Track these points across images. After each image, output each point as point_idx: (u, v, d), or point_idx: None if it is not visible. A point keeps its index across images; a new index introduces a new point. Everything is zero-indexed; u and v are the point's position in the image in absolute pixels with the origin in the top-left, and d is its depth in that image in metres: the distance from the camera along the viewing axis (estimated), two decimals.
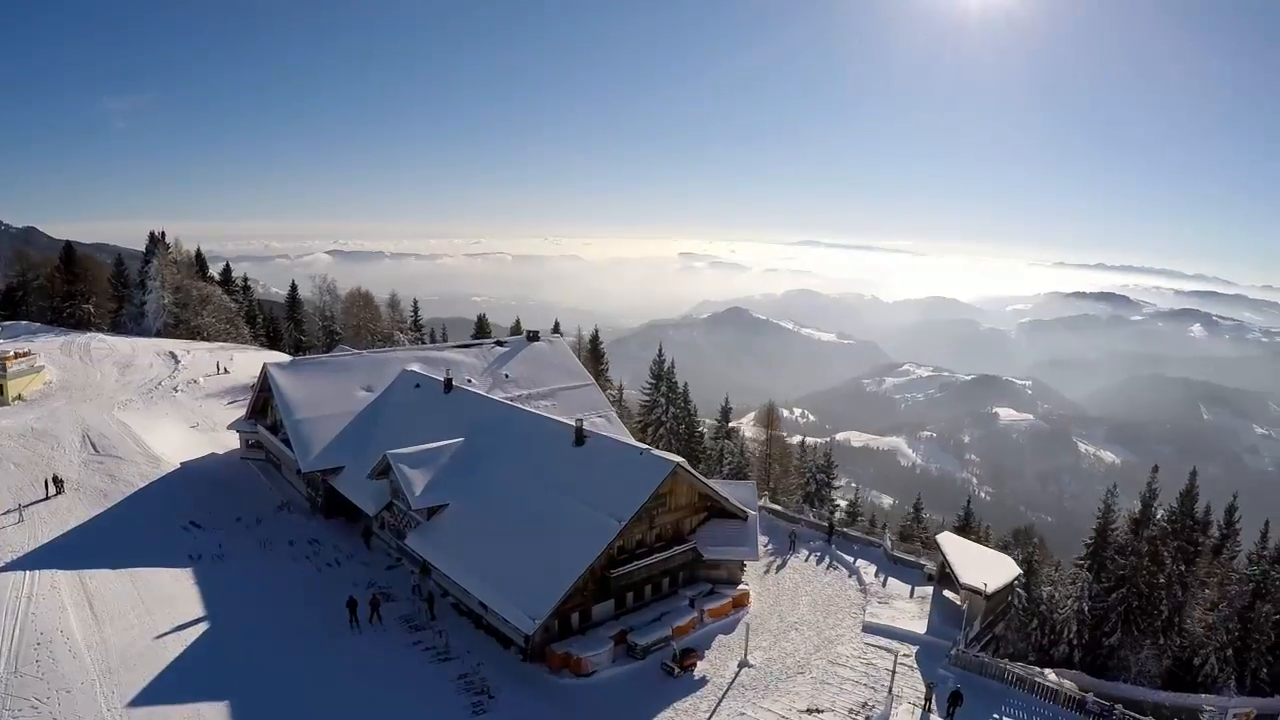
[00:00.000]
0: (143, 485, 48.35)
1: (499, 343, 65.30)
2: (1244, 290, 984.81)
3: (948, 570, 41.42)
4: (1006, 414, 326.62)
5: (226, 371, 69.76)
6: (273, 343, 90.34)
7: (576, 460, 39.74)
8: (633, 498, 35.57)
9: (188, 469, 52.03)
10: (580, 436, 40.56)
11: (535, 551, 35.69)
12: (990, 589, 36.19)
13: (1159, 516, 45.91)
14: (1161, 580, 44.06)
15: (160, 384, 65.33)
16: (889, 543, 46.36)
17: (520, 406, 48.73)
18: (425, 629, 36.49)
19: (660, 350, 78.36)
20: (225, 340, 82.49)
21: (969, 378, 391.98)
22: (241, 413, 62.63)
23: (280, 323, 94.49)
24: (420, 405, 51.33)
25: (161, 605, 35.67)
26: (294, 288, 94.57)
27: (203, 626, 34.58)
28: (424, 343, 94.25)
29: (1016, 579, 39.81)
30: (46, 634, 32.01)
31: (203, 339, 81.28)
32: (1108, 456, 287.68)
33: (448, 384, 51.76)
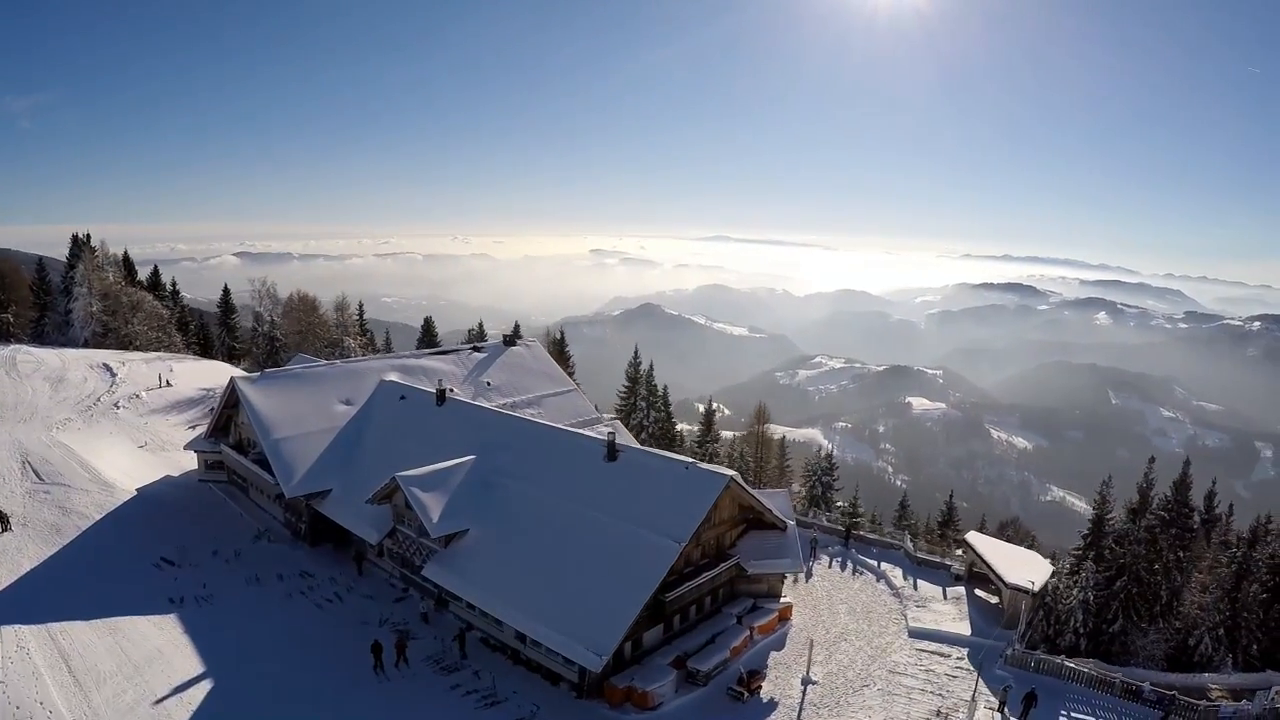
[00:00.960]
0: (99, 517, 42.40)
1: (475, 348, 61.71)
2: (1146, 279, 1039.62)
3: (979, 569, 41.76)
4: (919, 403, 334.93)
5: (169, 384, 62.82)
6: (204, 350, 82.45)
7: (611, 477, 37.26)
8: (688, 516, 33.54)
9: (145, 495, 46.15)
10: (613, 451, 38.14)
11: (582, 578, 33.13)
12: (1037, 587, 36.45)
13: (1155, 505, 47.56)
14: (1158, 567, 45.75)
15: (99, 400, 58.01)
16: (910, 544, 46.30)
17: (535, 420, 45.66)
18: (459, 669, 33.42)
19: (636, 353, 76.47)
20: (159, 350, 74.38)
21: (881, 368, 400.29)
22: (193, 430, 56.89)
23: (211, 329, 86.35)
24: (410, 419, 47.45)
25: (152, 662, 31.04)
26: (226, 292, 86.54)
27: (206, 685, 30.28)
28: (374, 348, 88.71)
29: (1053, 575, 40.38)
30: (24, 707, 27.05)
31: (135, 348, 72.96)
32: (1020, 442, 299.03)
33: (441, 395, 48.02)
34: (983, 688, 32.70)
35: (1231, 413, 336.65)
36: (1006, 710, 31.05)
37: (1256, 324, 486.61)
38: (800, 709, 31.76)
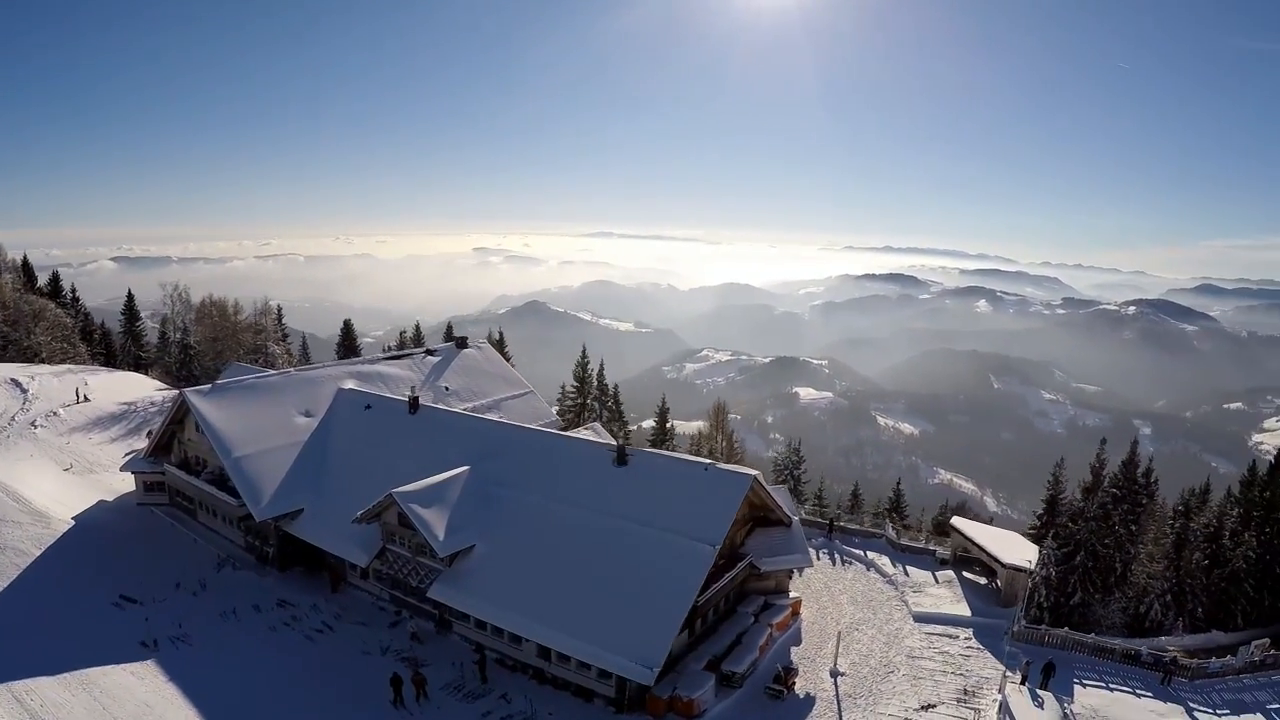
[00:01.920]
0: (38, 552, 37.23)
1: (429, 352, 58.84)
2: (1025, 268, 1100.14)
3: (965, 553, 43.53)
4: (806, 393, 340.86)
5: (87, 399, 55.97)
6: (108, 361, 73.89)
7: (624, 482, 36.09)
8: (718, 518, 32.94)
9: (84, 524, 41.05)
10: (623, 455, 37.00)
11: (610, 588, 31.88)
12: (1032, 565, 38.37)
13: (1107, 483, 51.16)
14: (1110, 541, 49.31)
15: (14, 419, 50.74)
16: (892, 532, 47.68)
17: (528, 426, 43.70)
18: (482, 695, 31.53)
19: (584, 352, 75.18)
20: (66, 362, 65.93)
21: (767, 360, 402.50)
22: (117, 446, 51.32)
23: (113, 337, 77.47)
24: (381, 430, 44.41)
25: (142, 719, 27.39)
26: (131, 298, 77.79)
27: None
28: (292, 355, 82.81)
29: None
30: None
31: (40, 361, 64.27)
32: (906, 428, 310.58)
33: (414, 403, 45.23)
34: (990, 664, 34.07)
35: (1110, 393, 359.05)
36: (1029, 683, 32.43)
37: (1131, 308, 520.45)
38: (838, 701, 31.94)
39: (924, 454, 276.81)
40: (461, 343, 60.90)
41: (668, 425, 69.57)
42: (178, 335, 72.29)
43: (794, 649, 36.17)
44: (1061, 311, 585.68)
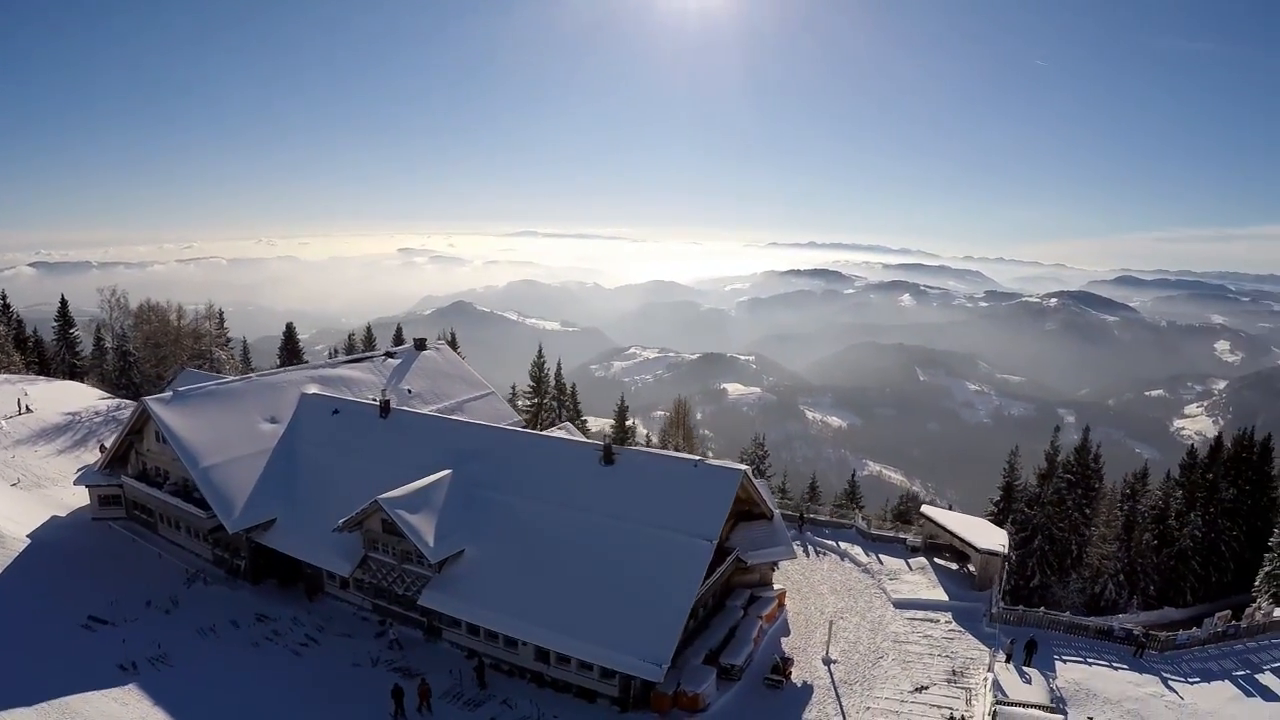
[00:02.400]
0: None
1: (389, 354, 57.47)
2: (947, 261, 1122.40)
3: (935, 540, 45.00)
4: (734, 389, 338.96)
5: (30, 410, 52.53)
6: (42, 369, 69.21)
7: (612, 481, 36.01)
8: (712, 513, 33.27)
9: (40, 542, 38.78)
10: (609, 454, 36.93)
11: (607, 588, 31.87)
12: (1005, 550, 40.01)
13: (1061, 469, 53.78)
14: (1065, 525, 51.91)
15: None
16: (863, 523, 48.93)
17: (505, 428, 43.14)
18: (483, 702, 31.07)
19: (540, 351, 74.75)
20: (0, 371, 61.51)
21: (695, 357, 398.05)
22: (63, 459, 48.66)
23: (45, 345, 72.51)
24: (351, 435, 43.17)
25: None
26: (64, 303, 72.89)
27: None
28: (235, 360, 79.58)
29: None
30: None
31: None
32: (835, 421, 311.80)
33: (385, 407, 44.10)
34: (972, 646, 35.42)
35: (1034, 383, 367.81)
36: (1013, 661, 33.84)
37: (1053, 300, 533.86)
38: (835, 689, 32.69)
39: (852, 447, 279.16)
40: (420, 344, 59.73)
41: (627, 424, 69.67)
42: (116, 342, 68.44)
43: (783, 640, 36.81)
44: (984, 304, 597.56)
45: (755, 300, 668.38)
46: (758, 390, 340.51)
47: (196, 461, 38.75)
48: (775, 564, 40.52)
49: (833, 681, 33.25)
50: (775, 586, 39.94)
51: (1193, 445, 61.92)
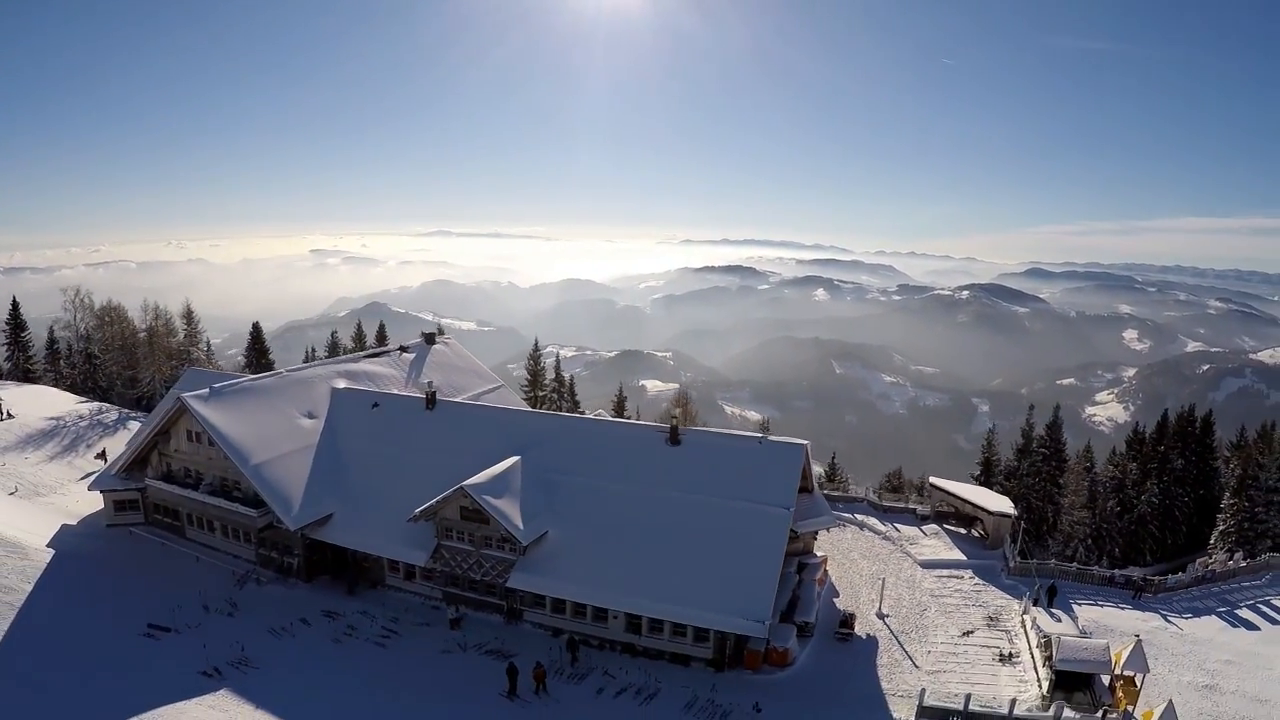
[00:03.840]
0: (29, 587, 32.90)
1: (403, 349, 57.14)
2: (860, 256, 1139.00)
3: (944, 508, 49.20)
4: (653, 385, 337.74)
5: (11, 416, 48.69)
6: None
7: (680, 460, 37.92)
8: (785, 484, 35.80)
9: (65, 552, 36.75)
10: (675, 435, 38.80)
11: (693, 558, 33.67)
12: (1015, 512, 44.48)
13: (1034, 445, 59.41)
14: (1041, 495, 57.45)
15: None
16: (874, 496, 52.72)
17: (563, 415, 44.12)
18: (586, 675, 32.25)
19: (537, 345, 75.46)
20: None
21: (612, 354, 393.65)
22: (64, 466, 46.75)
23: None
24: (396, 427, 43.19)
25: None
26: (15, 306, 66.62)
27: None
28: (214, 359, 76.13)
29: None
30: None
31: None
32: (753, 415, 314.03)
33: (431, 398, 44.32)
34: (994, 597, 39.55)
35: (948, 374, 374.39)
36: (1039, 604, 38.07)
37: (965, 293, 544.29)
38: (895, 636, 35.94)
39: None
40: (430, 339, 59.67)
41: (625, 415, 71.43)
42: (80, 344, 63.86)
43: (834, 600, 39.82)
44: (898, 298, 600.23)
45: (670, 297, 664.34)
46: (676, 386, 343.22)
47: (247, 459, 37.85)
48: (816, 533, 43.50)
49: (891, 632, 36.52)
50: (818, 554, 42.91)
51: (1138, 424, 68.46)
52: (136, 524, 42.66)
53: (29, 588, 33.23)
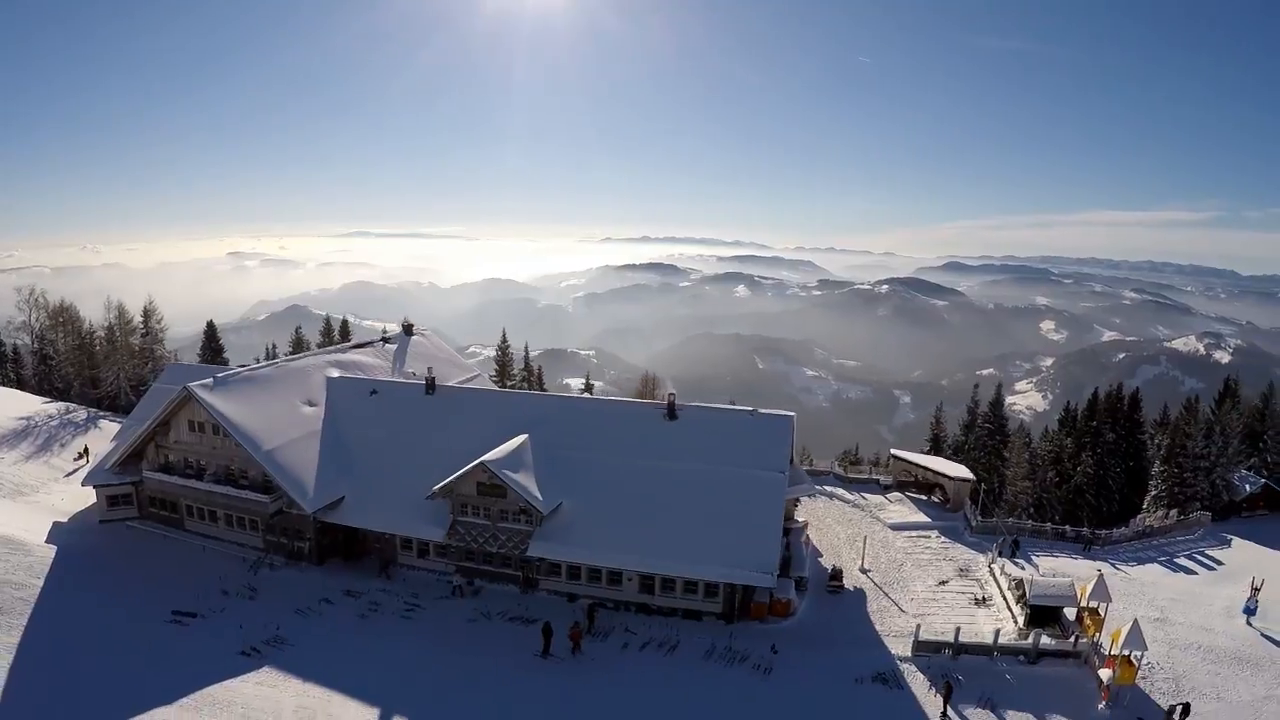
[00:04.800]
0: (40, 583, 33.07)
1: (385, 340, 58.13)
2: (780, 253, 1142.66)
3: (906, 477, 53.43)
4: (577, 383, 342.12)
5: None
6: None
7: (678, 433, 40.54)
8: (778, 451, 38.82)
9: (67, 548, 36.82)
10: (673, 410, 41.43)
11: (700, 522, 36.20)
12: (974, 478, 49.03)
13: (979, 422, 64.62)
14: (987, 467, 62.43)
15: None
16: (839, 469, 56.66)
17: (560, 395, 46.03)
18: (609, 634, 34.40)
19: (504, 336, 76.89)
20: None
21: (536, 353, 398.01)
22: (41, 466, 46.48)
23: None
24: (398, 412, 44.38)
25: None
26: None
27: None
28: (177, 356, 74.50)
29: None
30: None
31: None
32: None
33: (430, 384, 45.69)
34: (961, 552, 43.79)
35: (869, 367, 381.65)
36: (1003, 555, 42.41)
37: (884, 287, 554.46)
38: (880, 587, 39.56)
39: None
40: (409, 330, 60.91)
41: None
42: (36, 344, 61.33)
43: (819, 559, 43.22)
44: (818, 293, 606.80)
45: (592, 295, 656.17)
46: (600, 384, 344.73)
47: (259, 446, 38.50)
48: (797, 500, 46.90)
49: (875, 584, 40.09)
50: (799, 519, 46.31)
51: (1069, 401, 74.53)
52: (131, 519, 42.47)
53: (39, 583, 33.39)
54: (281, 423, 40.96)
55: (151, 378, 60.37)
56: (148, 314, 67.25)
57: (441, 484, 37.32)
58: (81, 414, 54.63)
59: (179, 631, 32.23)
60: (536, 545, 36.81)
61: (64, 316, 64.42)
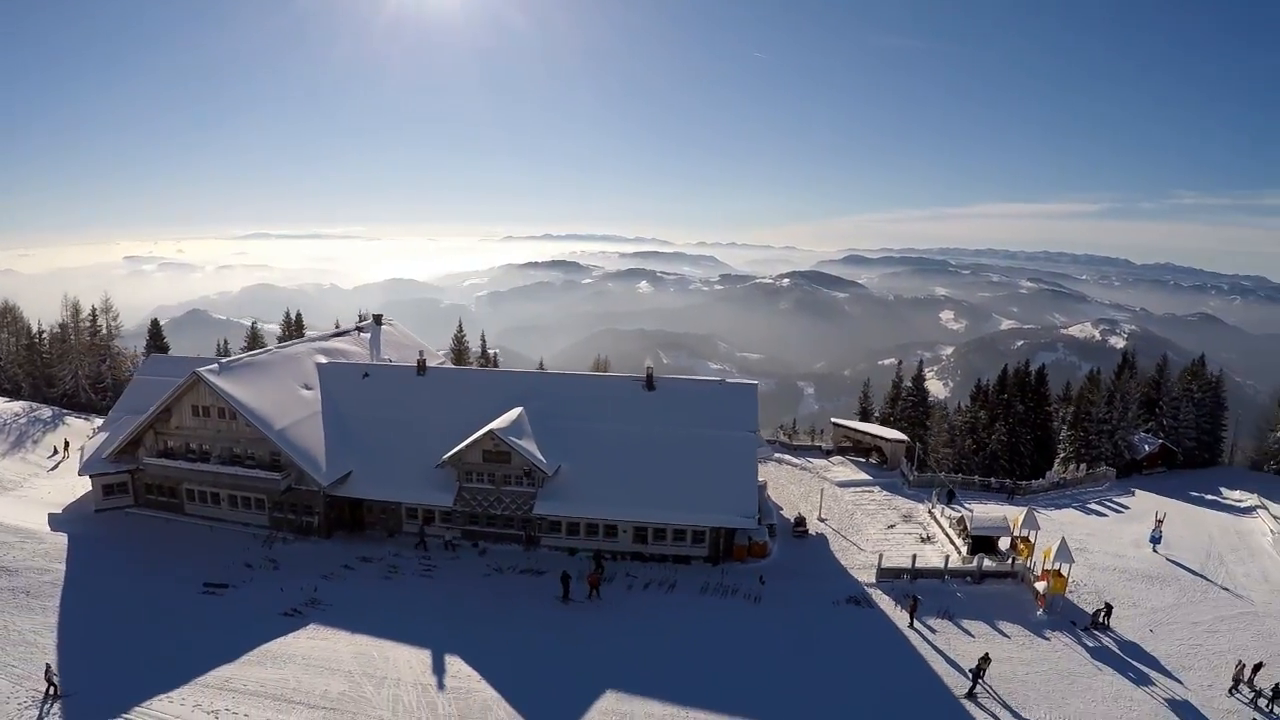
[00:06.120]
0: (62, 567, 34.48)
1: (359, 329, 60.57)
2: (681, 248, 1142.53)
3: (846, 442, 59.93)
4: None
5: None
6: None
7: (658, 402, 45.01)
8: (746, 414, 43.84)
9: (77, 535, 38.17)
10: (651, 382, 45.95)
11: (685, 477, 40.63)
12: (908, 440, 55.92)
13: (904, 395, 72.07)
14: (911, 435, 69.67)
15: None
16: (784, 437, 62.71)
17: (545, 372, 49.55)
18: (612, 578, 38.15)
19: (460, 326, 79.20)
20: None
21: (441, 353, 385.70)
22: (16, 461, 47.37)
23: None
24: (393, 392, 47.12)
25: (372, 663, 29.25)
26: None
27: (460, 656, 30.07)
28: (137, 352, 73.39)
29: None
30: None
31: None
32: None
33: (422, 365, 48.62)
34: (902, 503, 50.35)
35: (773, 359, 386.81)
36: (941, 502, 49.10)
37: (786, 281, 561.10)
38: (839, 532, 45.40)
39: None
40: (379, 320, 63.54)
41: None
42: None
43: (780, 512, 48.74)
44: (720, 287, 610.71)
45: (495, 294, 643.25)
46: None
47: (271, 426, 40.55)
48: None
49: (834, 529, 45.93)
50: (760, 479, 51.74)
51: (979, 378, 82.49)
52: (127, 506, 43.44)
53: (61, 566, 34.83)
54: (286, 405, 43.01)
55: (109, 375, 59.95)
56: (96, 313, 66.04)
57: (451, 453, 40.53)
58: (47, 412, 54.18)
59: (216, 600, 34.14)
60: (541, 504, 40.58)
61: (9, 318, 62.54)
